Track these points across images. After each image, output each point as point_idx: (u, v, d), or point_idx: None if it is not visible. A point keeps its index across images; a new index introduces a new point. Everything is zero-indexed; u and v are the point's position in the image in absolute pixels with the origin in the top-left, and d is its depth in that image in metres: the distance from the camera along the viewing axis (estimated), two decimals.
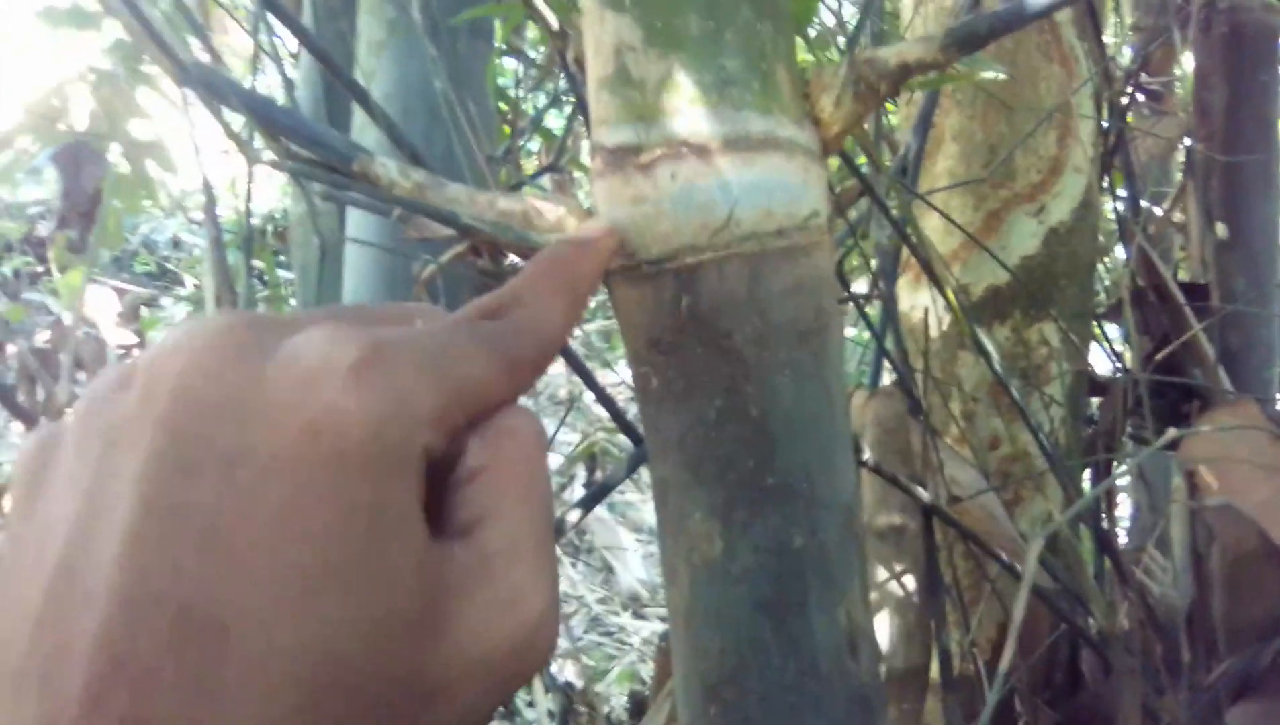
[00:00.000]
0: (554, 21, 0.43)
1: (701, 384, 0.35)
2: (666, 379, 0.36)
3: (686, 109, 0.34)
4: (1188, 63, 1.55)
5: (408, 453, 0.23)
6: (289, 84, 0.53)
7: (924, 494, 0.65)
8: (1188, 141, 1.29)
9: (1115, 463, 0.99)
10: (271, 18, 0.82)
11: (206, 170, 0.74)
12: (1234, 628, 0.61)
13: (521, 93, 1.34)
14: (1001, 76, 0.43)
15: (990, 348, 0.72)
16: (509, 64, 1.65)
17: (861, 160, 0.70)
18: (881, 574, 0.77)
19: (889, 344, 0.87)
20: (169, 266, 4.17)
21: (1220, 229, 1.12)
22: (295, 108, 0.54)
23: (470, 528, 0.24)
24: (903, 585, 0.75)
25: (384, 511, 0.23)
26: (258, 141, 0.43)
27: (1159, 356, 1.06)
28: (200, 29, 0.54)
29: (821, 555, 0.35)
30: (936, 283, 0.61)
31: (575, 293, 0.31)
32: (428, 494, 0.24)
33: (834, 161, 0.58)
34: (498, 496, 0.25)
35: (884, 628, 0.77)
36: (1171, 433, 0.48)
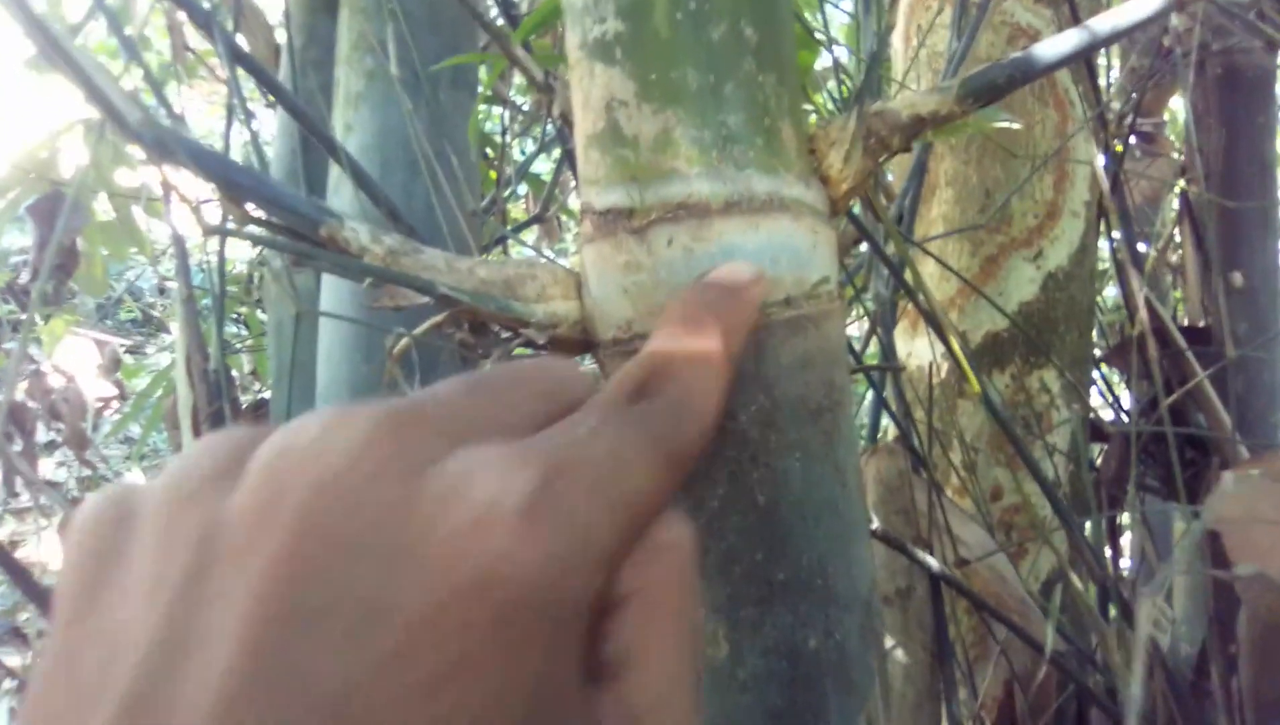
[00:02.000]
0: (538, 74, 0.40)
1: (703, 469, 0.32)
2: None
3: (684, 169, 0.31)
4: (1178, 103, 1.54)
5: (582, 603, 0.19)
6: (255, 138, 0.50)
7: (932, 562, 0.62)
8: (1183, 183, 1.27)
9: (1129, 513, 0.96)
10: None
11: (178, 225, 0.71)
12: (1264, 699, 0.58)
13: (509, 139, 1.32)
14: (1016, 126, 0.40)
15: (996, 400, 0.69)
16: (497, 109, 1.63)
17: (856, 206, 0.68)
18: (887, 640, 0.73)
19: (888, 394, 0.84)
20: (154, 313, 4.13)
21: (1237, 278, 1.09)
22: (263, 163, 0.51)
23: (617, 670, 0.20)
24: (911, 653, 0.71)
25: (548, 682, 0.19)
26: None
27: (1165, 403, 1.04)
28: (158, 86, 0.52)
29: (839, 657, 0.32)
30: (942, 336, 0.58)
31: (725, 354, 0.27)
32: None
33: None
34: (646, 633, 0.21)
35: (892, 697, 0.73)
36: (1210, 499, 0.45)
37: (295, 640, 0.17)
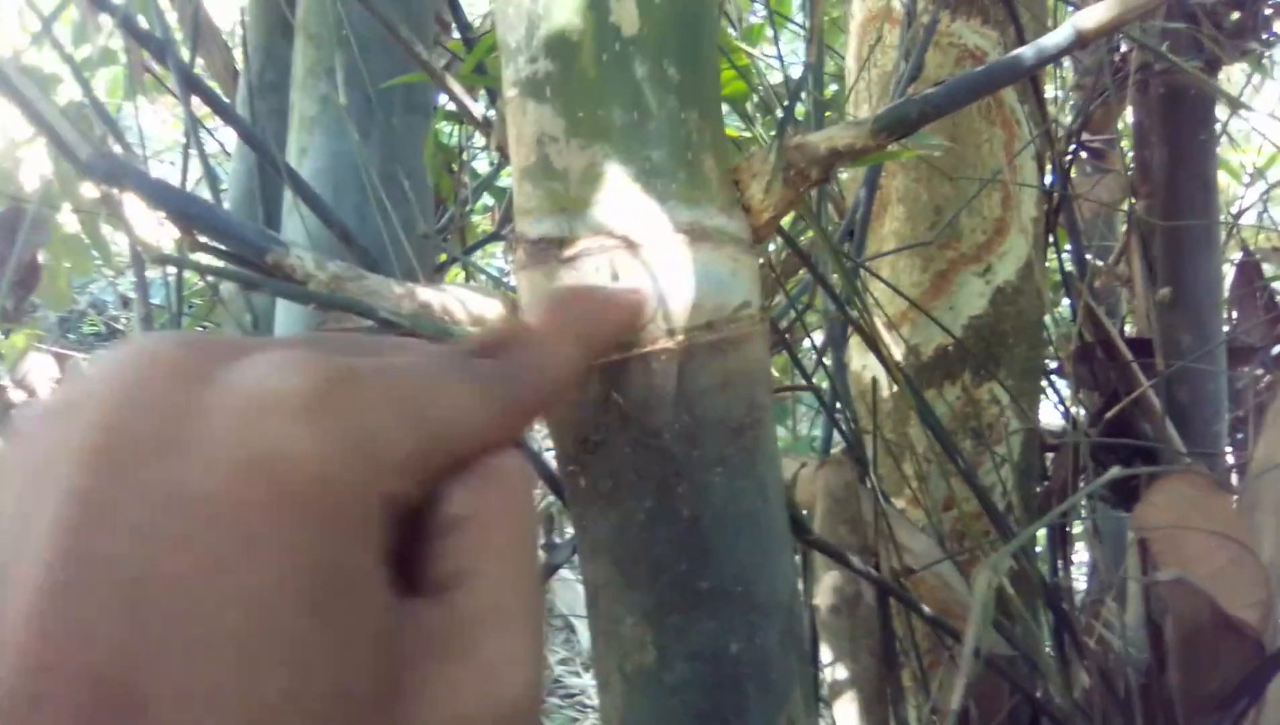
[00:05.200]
0: (475, 108, 0.42)
1: (630, 484, 0.34)
2: (594, 479, 0.34)
3: (610, 201, 0.33)
4: (1128, 119, 1.58)
5: (366, 501, 0.20)
6: (209, 169, 0.52)
7: (876, 574, 0.64)
8: (1130, 199, 1.31)
9: (1070, 522, 0.98)
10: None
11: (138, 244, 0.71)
12: (1192, 700, 0.60)
13: (475, 153, 1.33)
14: (937, 152, 0.42)
15: (936, 413, 0.71)
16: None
17: (808, 234, 0.70)
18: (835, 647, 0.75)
19: (839, 407, 0.86)
20: (118, 327, 4.10)
21: (1164, 292, 1.13)
22: (216, 187, 0.52)
23: (447, 586, 0.22)
24: (859, 659, 0.73)
25: (337, 569, 0.20)
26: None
27: (1109, 413, 1.07)
28: (110, 120, 0.53)
29: (760, 661, 0.34)
30: (881, 357, 0.60)
31: (585, 337, 0.28)
32: (405, 545, 0.21)
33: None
34: (479, 551, 0.22)
35: (841, 704, 0.75)
36: (1137, 508, 0.47)
37: (96, 534, 0.18)
